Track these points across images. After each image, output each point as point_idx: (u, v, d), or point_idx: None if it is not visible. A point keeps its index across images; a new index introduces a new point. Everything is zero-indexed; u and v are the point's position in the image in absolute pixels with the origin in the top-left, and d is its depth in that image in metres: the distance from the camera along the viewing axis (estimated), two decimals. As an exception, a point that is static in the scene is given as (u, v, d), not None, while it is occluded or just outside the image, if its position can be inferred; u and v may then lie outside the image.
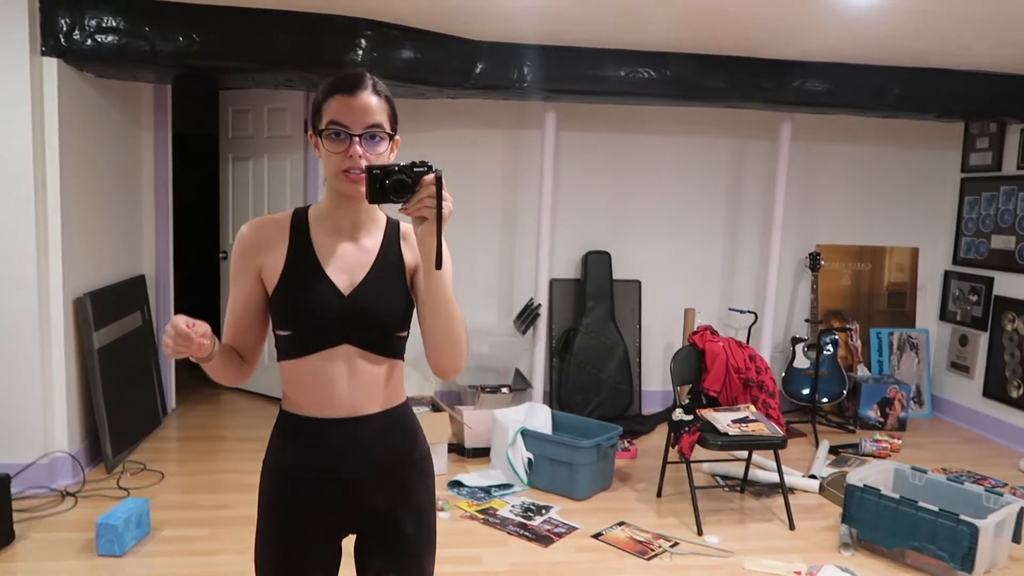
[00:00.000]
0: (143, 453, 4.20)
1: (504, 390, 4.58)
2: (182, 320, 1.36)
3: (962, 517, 3.01)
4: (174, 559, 3.06)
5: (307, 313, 1.47)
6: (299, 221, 1.53)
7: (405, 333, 1.56)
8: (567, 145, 5.10)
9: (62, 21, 3.49)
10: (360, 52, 3.77)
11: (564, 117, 4.93)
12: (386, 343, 1.52)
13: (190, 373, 5.59)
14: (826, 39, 3.85)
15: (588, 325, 5.06)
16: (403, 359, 1.59)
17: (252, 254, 1.52)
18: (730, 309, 5.37)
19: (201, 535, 3.28)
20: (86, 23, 3.51)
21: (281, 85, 4.16)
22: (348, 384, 1.49)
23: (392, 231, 1.57)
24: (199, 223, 6.59)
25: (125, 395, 4.17)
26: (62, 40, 3.51)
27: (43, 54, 3.51)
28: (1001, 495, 3.28)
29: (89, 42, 3.53)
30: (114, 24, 3.53)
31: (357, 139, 1.43)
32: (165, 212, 4.81)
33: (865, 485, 3.30)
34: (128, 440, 4.16)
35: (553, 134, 4.72)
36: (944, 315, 5.51)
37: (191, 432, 4.63)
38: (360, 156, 1.43)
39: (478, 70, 4.10)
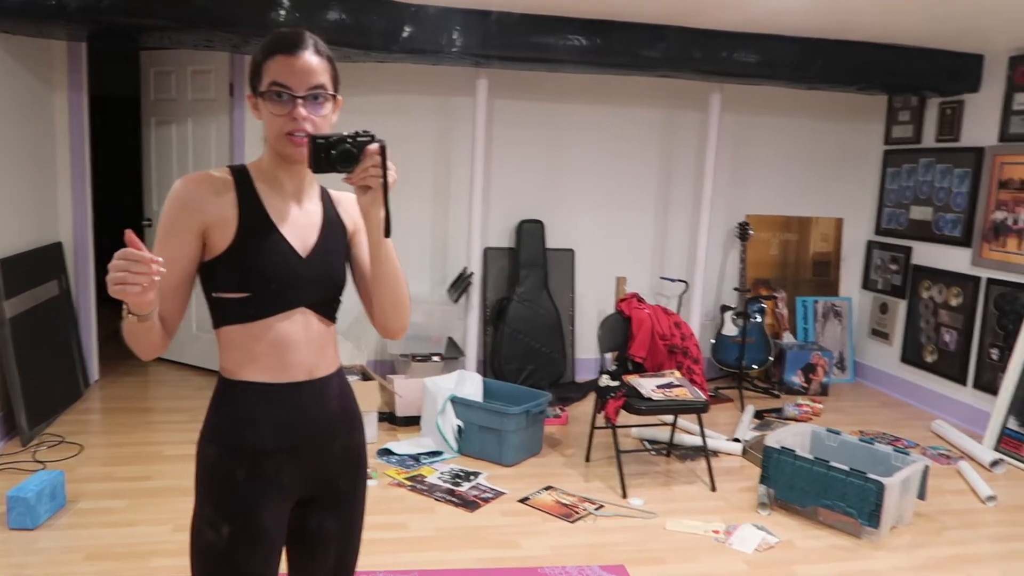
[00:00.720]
0: (62, 426, 4.08)
1: (435, 358, 4.58)
2: (139, 244, 1.20)
3: (869, 475, 3.13)
4: (89, 531, 2.99)
5: (268, 274, 1.43)
6: (242, 179, 1.47)
7: (342, 297, 1.58)
8: (500, 113, 5.06)
9: (-40, -28, 3.30)
10: (283, 12, 3.66)
11: (496, 84, 4.90)
12: (333, 305, 1.55)
13: (114, 344, 5.44)
14: (756, 9, 3.88)
15: (522, 294, 5.07)
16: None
17: (193, 210, 1.40)
18: (662, 278, 5.45)
19: (119, 507, 3.21)
20: (-13, -26, 3.32)
21: (201, 45, 4.02)
22: (305, 346, 1.48)
23: (326, 196, 1.58)
24: (121, 189, 6.38)
25: (41, 366, 4.03)
26: (-39, -8, 3.31)
27: (-60, 6, 3.32)
28: (908, 455, 3.43)
29: (-9, -5, 3.34)
30: (18, -24, 3.34)
31: (300, 101, 1.39)
32: (82, 177, 4.62)
33: (782, 447, 3.41)
34: (45, 412, 4.03)
35: (485, 101, 4.68)
36: (866, 284, 5.69)
37: (114, 404, 4.50)
38: (304, 118, 1.39)
39: (405, 34, 4.03)
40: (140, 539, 2.95)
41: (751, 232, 5.26)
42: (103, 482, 3.44)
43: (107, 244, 5.63)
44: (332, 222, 1.54)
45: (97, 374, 4.88)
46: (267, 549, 1.48)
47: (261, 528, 1.46)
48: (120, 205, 6.40)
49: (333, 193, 1.59)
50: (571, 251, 5.30)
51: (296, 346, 1.48)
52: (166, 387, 4.86)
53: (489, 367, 5.05)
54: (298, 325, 1.48)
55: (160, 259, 1.23)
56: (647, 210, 5.40)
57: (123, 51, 5.30)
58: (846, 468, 3.21)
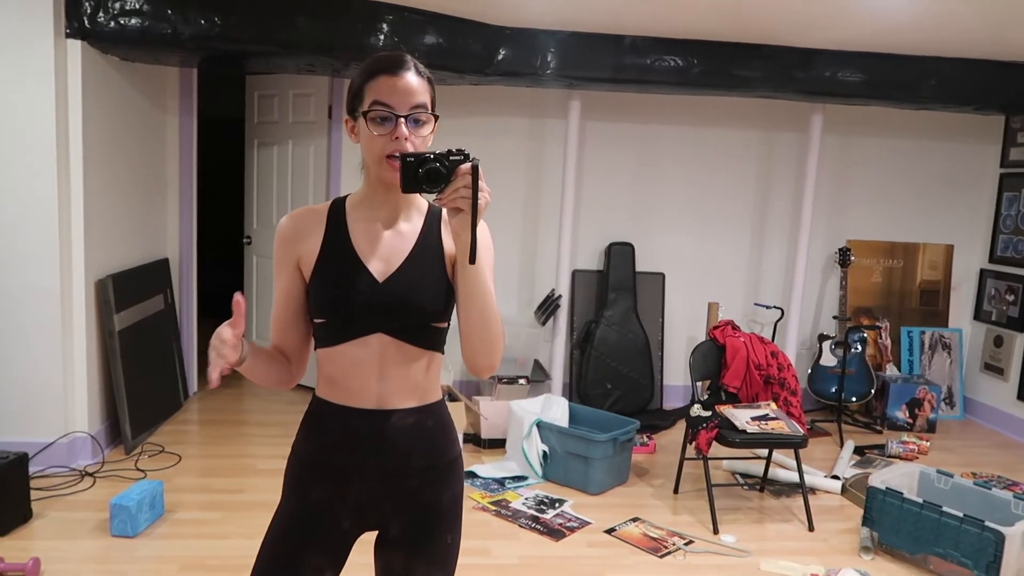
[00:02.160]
0: (162, 435, 4.24)
1: (522, 381, 4.54)
2: (241, 311, 1.33)
3: (987, 524, 2.91)
4: (185, 541, 3.08)
5: (338, 300, 1.43)
6: (336, 209, 1.50)
7: (444, 324, 1.50)
8: (592, 135, 5.02)
9: (86, 3, 3.50)
10: (382, 37, 3.74)
11: (588, 106, 4.86)
12: (422, 333, 1.46)
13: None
14: (859, 28, 3.73)
15: (610, 317, 4.99)
16: (442, 352, 1.53)
17: (289, 244, 1.49)
18: (755, 304, 5.26)
19: (213, 518, 3.29)
20: (110, 5, 3.52)
21: (303, 70, 4.15)
22: (378, 375, 1.45)
23: (433, 217, 1.52)
24: (224, 208, 6.64)
25: (146, 377, 4.21)
26: (86, 22, 3.52)
27: (67, 36, 3.53)
28: (1031, 502, 3.17)
29: (112, 24, 3.53)
30: (137, 6, 3.53)
31: (403, 120, 1.38)
32: (189, 196, 4.84)
33: (887, 488, 3.21)
34: (148, 422, 4.20)
35: (577, 123, 4.65)
36: (979, 315, 5.35)
37: (211, 416, 4.66)
38: (406, 139, 1.38)
39: (500, 56, 4.05)
40: (233, 551, 3.02)
41: (852, 258, 5.03)
42: (199, 493, 3.55)
43: (210, 261, 5.88)
44: (427, 244, 1.48)
45: (196, 386, 5.06)
46: (296, 548, 1.49)
47: (296, 543, 1.50)
48: (223, 223, 6.67)
49: (446, 213, 1.51)
50: (661, 275, 5.19)
51: (364, 373, 1.45)
52: (260, 401, 4.99)
53: (575, 391, 4.98)
54: (371, 351, 1.44)
55: (230, 339, 1.31)
56: (742, 234, 5.24)
57: (229, 76, 5.54)
58: (960, 515, 2.99)
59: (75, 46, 3.56)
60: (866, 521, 3.28)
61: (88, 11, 3.51)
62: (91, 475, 3.63)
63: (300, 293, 1.51)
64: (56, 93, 3.48)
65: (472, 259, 1.31)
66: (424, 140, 1.42)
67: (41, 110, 3.47)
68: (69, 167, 3.61)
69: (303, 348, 1.54)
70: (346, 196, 1.53)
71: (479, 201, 1.28)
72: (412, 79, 1.40)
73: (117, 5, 3.52)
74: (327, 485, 1.49)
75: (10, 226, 3.52)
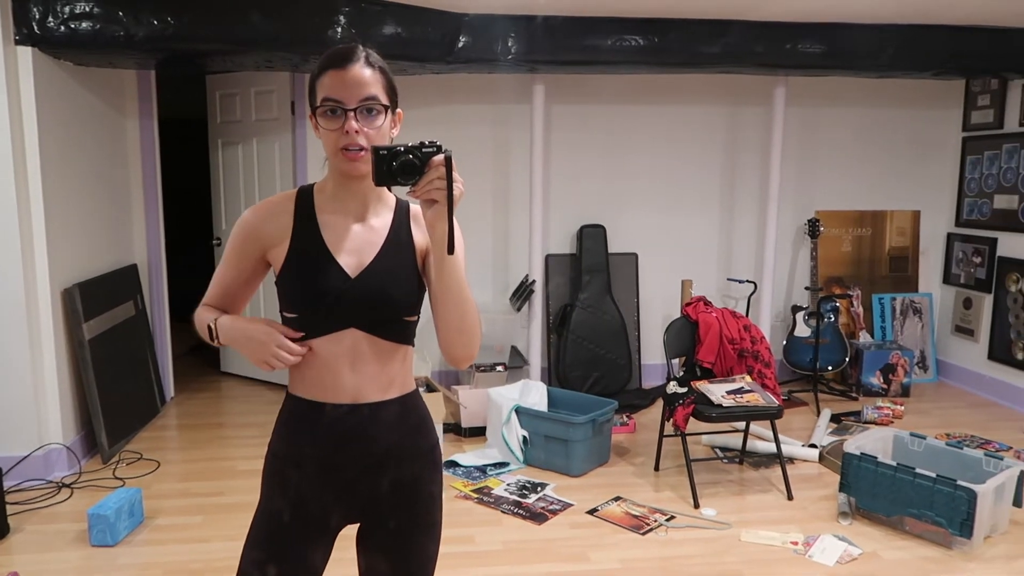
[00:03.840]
0: (140, 442, 4.20)
1: (499, 368, 4.55)
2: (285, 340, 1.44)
3: (959, 482, 2.96)
4: (167, 547, 3.06)
5: (312, 296, 1.43)
6: (303, 200, 1.49)
7: (415, 318, 1.51)
8: (558, 118, 5.02)
9: (34, 8, 3.43)
10: (339, 29, 3.70)
11: (553, 90, 4.86)
12: (394, 327, 1.47)
13: (189, 362, 5.61)
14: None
15: (585, 300, 5.01)
16: (413, 345, 1.54)
17: (252, 238, 1.49)
18: (729, 279, 5.30)
19: (194, 523, 3.27)
20: (59, 9, 3.45)
21: (262, 66, 4.10)
22: (352, 369, 1.45)
23: (402, 212, 1.52)
24: (191, 210, 6.57)
25: (120, 385, 4.17)
26: (35, 28, 3.45)
27: (17, 43, 3.46)
28: (1001, 459, 3.23)
29: (63, 28, 3.47)
30: (87, 9, 3.47)
31: (352, 113, 1.38)
32: (154, 200, 4.78)
33: (862, 453, 3.26)
34: (124, 430, 4.16)
35: (542, 107, 4.64)
36: (947, 278, 5.42)
37: (189, 420, 4.62)
38: (356, 131, 1.37)
39: (461, 44, 4.02)
40: (215, 555, 3.01)
41: (821, 228, 5.08)
42: (179, 498, 3.53)
43: (180, 264, 5.82)
44: (398, 239, 1.48)
45: (172, 391, 5.03)
46: (281, 546, 1.49)
47: (278, 539, 1.50)
48: (190, 225, 6.60)
49: (414, 208, 1.52)
50: (634, 255, 5.21)
51: (339, 368, 1.45)
52: (238, 403, 4.97)
53: (553, 375, 5.00)
54: (344, 346, 1.45)
55: (301, 350, 1.45)
56: (711, 210, 5.27)
57: (189, 76, 5.47)
58: (933, 475, 3.04)
59: (25, 52, 3.49)
60: (843, 487, 3.33)
61: (37, 16, 3.44)
62: (68, 486, 3.59)
63: (252, 279, 1.54)
64: (9, 101, 3.41)
65: (451, 249, 1.32)
66: (379, 131, 1.41)
67: (-6, 120, 3.40)
68: (27, 176, 3.55)
69: (242, 309, 1.61)
70: (312, 185, 1.52)
71: (454, 192, 1.28)
72: (361, 71, 1.39)
73: (67, 9, 3.46)
74: (311, 481, 1.49)
75: (-30, 239, 3.46)
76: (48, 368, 3.67)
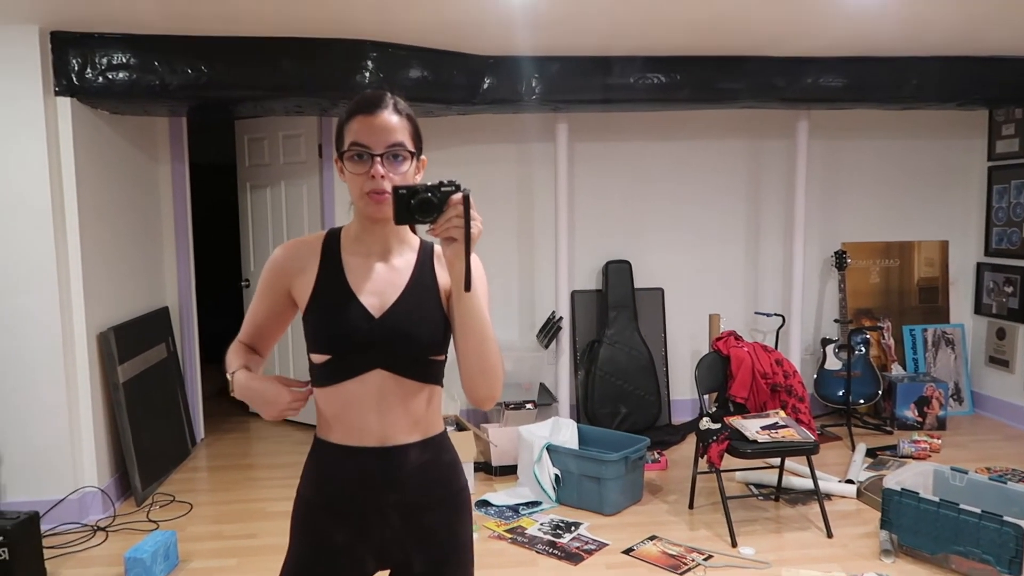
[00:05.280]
0: (172, 484, 4.21)
1: (529, 406, 4.53)
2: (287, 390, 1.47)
3: (1006, 519, 2.89)
4: (202, 591, 3.05)
5: (337, 338, 1.44)
6: (331, 242, 1.52)
7: (442, 357, 1.51)
8: (581, 155, 5.06)
9: (73, 61, 3.54)
10: (367, 74, 3.78)
11: (576, 128, 4.90)
12: (420, 367, 1.47)
13: (218, 403, 5.63)
14: (838, 33, 3.77)
15: (612, 336, 4.99)
16: (440, 385, 1.53)
17: (280, 275, 1.52)
18: (756, 312, 5.27)
19: (228, 566, 3.26)
20: (97, 61, 3.56)
21: (291, 111, 4.18)
22: (378, 411, 1.45)
23: (426, 253, 1.54)
24: (220, 252, 6.66)
25: (153, 427, 4.19)
26: (74, 79, 3.56)
27: (57, 94, 3.57)
28: (1047, 493, 3.15)
29: (100, 80, 3.57)
30: (124, 60, 3.57)
31: (379, 159, 1.41)
32: (185, 244, 4.85)
33: (903, 489, 3.20)
34: (157, 472, 4.18)
35: (566, 145, 4.69)
36: (979, 308, 5.36)
37: (220, 462, 4.63)
38: (382, 176, 1.40)
39: (486, 85, 4.09)
40: (249, 598, 2.99)
41: (848, 260, 5.05)
42: (213, 540, 3.52)
43: (210, 306, 5.89)
44: (422, 279, 1.49)
45: (203, 432, 5.05)
46: None
47: (313, 573, 1.51)
48: (220, 267, 6.68)
49: (438, 248, 1.53)
50: (660, 290, 5.20)
51: (364, 410, 1.45)
52: (267, 443, 4.97)
53: (582, 412, 4.97)
54: (370, 388, 1.44)
55: (305, 392, 1.49)
56: (737, 244, 5.26)
57: (218, 121, 5.58)
58: (978, 511, 2.97)
59: (64, 103, 3.59)
60: (884, 524, 3.26)
61: (76, 68, 3.55)
62: (103, 530, 3.60)
63: (283, 315, 1.57)
64: (48, 150, 3.51)
65: (467, 286, 1.33)
66: (404, 176, 1.43)
67: (34, 168, 3.49)
68: (65, 223, 3.62)
69: (272, 346, 1.64)
70: (340, 228, 1.55)
71: (472, 230, 1.30)
72: (389, 118, 1.42)
73: (104, 60, 3.56)
74: (341, 528, 1.48)
75: (10, 285, 3.52)
76: (84, 411, 3.71)
